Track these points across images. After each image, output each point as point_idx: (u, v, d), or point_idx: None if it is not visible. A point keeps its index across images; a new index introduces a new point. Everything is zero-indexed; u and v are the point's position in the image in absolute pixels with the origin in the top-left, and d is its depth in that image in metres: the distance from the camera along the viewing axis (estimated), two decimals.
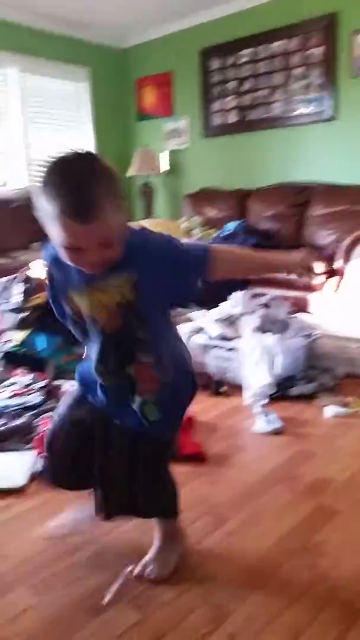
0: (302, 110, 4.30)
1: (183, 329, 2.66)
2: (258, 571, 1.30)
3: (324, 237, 3.86)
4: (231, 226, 4.00)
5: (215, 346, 2.53)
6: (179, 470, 1.74)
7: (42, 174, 1.02)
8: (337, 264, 3.32)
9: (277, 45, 4.33)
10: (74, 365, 2.72)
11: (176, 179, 5.31)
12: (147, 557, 1.33)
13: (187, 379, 1.27)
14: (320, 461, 1.81)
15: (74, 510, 1.46)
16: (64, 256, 1.05)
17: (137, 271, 1.10)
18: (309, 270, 1.23)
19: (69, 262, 1.06)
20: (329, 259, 3.39)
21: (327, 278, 3.38)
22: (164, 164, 5.25)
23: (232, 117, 4.75)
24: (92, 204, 0.97)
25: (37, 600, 1.22)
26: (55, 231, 1.01)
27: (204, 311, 2.90)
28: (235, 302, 2.64)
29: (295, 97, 4.33)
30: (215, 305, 2.74)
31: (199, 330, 2.63)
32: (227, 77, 4.70)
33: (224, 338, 2.51)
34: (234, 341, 2.47)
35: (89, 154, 1.03)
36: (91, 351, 1.20)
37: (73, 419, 1.28)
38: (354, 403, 2.22)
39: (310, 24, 4.10)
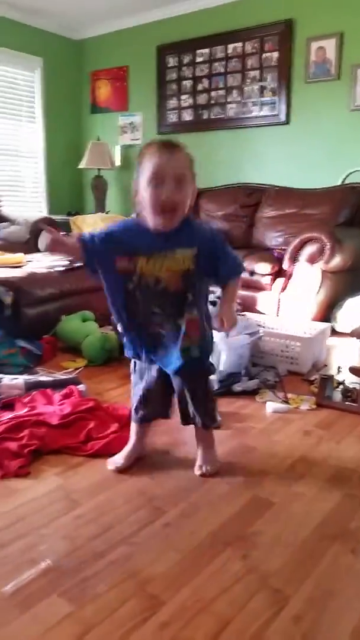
0: (256, 112, 4.38)
1: None
2: (191, 562, 1.32)
3: (273, 238, 3.95)
4: None
5: None
6: (109, 469, 1.75)
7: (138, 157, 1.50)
8: (285, 265, 3.40)
9: (233, 47, 4.40)
10: (15, 358, 2.65)
11: (129, 174, 5.28)
12: (199, 462, 1.73)
13: (211, 335, 1.64)
14: (258, 454, 1.85)
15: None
16: (148, 198, 1.45)
17: (197, 247, 1.50)
18: (223, 327, 1.60)
19: (151, 204, 1.44)
20: (279, 260, 3.47)
21: (274, 278, 3.46)
22: (117, 158, 5.22)
23: (187, 116, 4.78)
24: (176, 146, 1.46)
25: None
26: (144, 176, 1.45)
27: None
28: None
29: (250, 99, 4.41)
30: None
31: None
32: (183, 75, 4.73)
33: None
34: None
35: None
36: (140, 309, 1.54)
37: (151, 383, 1.70)
38: (293, 400, 2.29)
39: (267, 28, 4.19)
